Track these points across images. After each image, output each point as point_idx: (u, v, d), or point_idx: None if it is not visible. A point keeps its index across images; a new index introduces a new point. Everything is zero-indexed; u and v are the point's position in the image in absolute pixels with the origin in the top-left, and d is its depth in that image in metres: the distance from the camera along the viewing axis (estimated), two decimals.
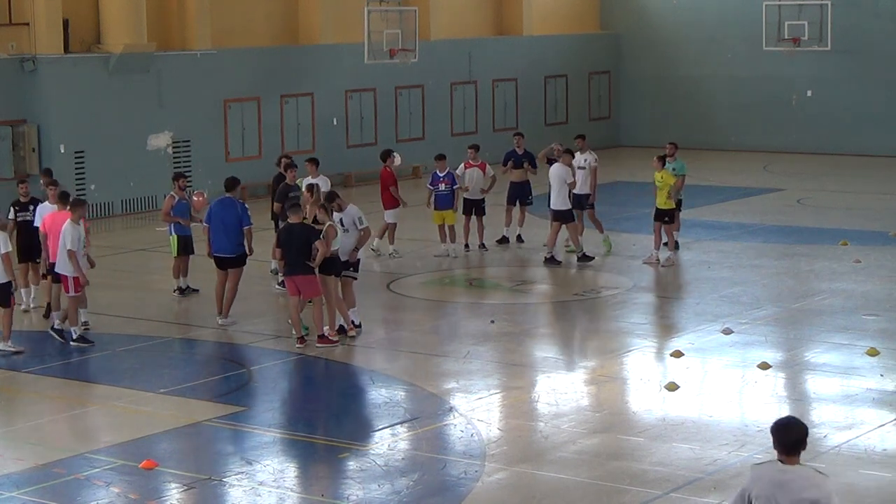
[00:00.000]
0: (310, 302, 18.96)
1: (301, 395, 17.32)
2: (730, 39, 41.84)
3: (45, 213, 20.03)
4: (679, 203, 24.73)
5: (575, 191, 24.41)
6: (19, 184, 22.00)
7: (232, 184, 20.59)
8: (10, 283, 18.33)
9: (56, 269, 19.01)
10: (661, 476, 13.24)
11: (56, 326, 19.13)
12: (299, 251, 18.22)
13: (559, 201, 24.00)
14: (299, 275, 18.30)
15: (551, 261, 24.08)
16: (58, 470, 13.67)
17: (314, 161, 23.24)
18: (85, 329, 19.39)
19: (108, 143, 30.74)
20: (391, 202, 25.01)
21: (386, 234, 25.10)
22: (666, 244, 24.00)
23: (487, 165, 25.77)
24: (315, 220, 19.05)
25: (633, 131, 43.62)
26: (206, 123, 32.87)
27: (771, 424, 8.33)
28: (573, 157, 24.60)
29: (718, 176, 36.10)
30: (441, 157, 25.23)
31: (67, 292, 18.84)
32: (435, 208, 25.00)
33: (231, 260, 20.01)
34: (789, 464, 8.22)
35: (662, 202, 23.84)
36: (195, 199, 21.93)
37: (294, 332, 18.63)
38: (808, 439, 8.24)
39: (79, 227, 18.71)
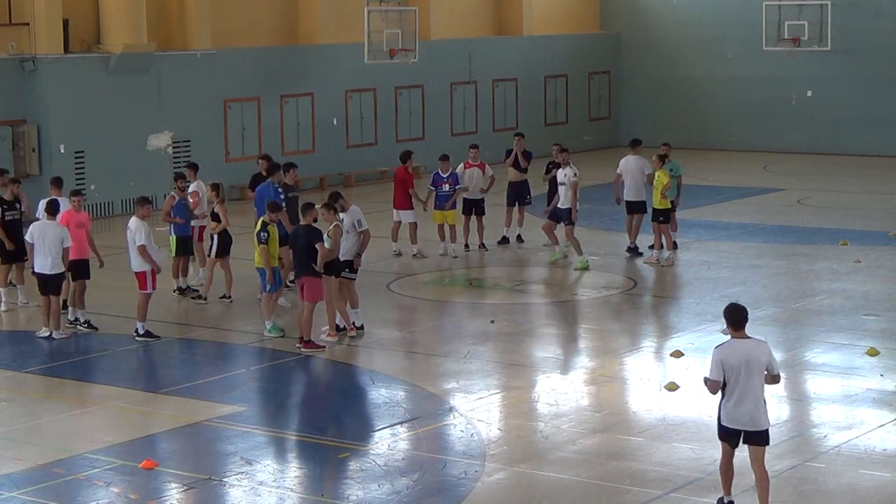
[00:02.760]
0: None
1: (301, 395, 17.33)
2: (730, 39, 41.83)
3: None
4: (673, 204, 24.71)
5: (559, 205, 24.29)
6: (10, 182, 21.85)
7: (271, 168, 21.47)
8: (62, 273, 19.17)
9: (133, 268, 19.40)
10: (661, 476, 13.24)
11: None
12: (303, 253, 18.20)
13: (634, 193, 24.60)
14: (304, 276, 18.30)
15: (634, 251, 24.63)
16: (58, 470, 13.68)
17: (193, 166, 23.08)
18: (88, 325, 19.57)
19: (108, 143, 30.75)
20: (408, 203, 25.01)
21: (401, 234, 25.12)
22: (664, 245, 24.03)
23: (487, 165, 25.77)
24: (213, 217, 20.82)
25: (633, 131, 43.27)
26: (206, 123, 32.87)
27: (723, 310, 11.81)
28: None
29: (718, 176, 36.09)
30: (445, 158, 25.29)
31: (144, 290, 19.12)
32: (437, 208, 25.04)
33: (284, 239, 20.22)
34: (741, 338, 11.69)
35: (657, 202, 23.90)
36: (190, 199, 21.99)
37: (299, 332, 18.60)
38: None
39: (146, 224, 19.20)
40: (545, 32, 41.92)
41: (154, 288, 19.46)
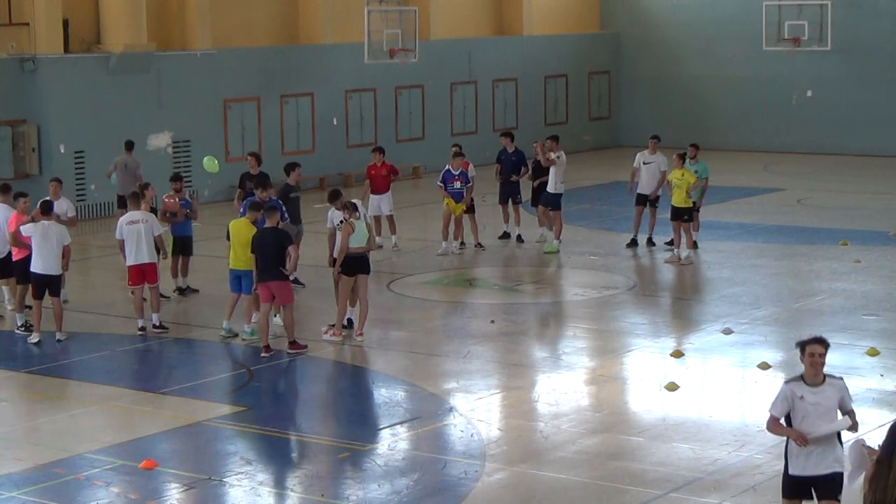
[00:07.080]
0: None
1: (301, 395, 17.32)
2: (730, 39, 41.80)
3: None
4: (695, 204, 24.70)
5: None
6: None
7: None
8: (61, 274, 19.35)
9: (146, 259, 19.60)
10: (661, 476, 13.24)
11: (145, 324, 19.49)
12: (272, 256, 18.08)
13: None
14: (273, 280, 18.13)
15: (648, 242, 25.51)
16: (58, 470, 13.68)
17: (58, 181, 22.17)
18: (26, 329, 19.47)
19: (108, 143, 30.69)
20: (388, 187, 25.57)
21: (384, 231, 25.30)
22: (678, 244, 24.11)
23: (471, 164, 25.60)
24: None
25: (633, 131, 43.52)
26: (206, 123, 32.86)
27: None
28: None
29: (718, 176, 35.91)
30: (459, 154, 25.32)
31: (153, 283, 19.51)
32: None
33: None
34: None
35: (682, 200, 23.87)
36: (166, 199, 22.14)
37: (261, 339, 18.37)
38: None
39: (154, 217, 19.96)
40: (545, 32, 41.91)
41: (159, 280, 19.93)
